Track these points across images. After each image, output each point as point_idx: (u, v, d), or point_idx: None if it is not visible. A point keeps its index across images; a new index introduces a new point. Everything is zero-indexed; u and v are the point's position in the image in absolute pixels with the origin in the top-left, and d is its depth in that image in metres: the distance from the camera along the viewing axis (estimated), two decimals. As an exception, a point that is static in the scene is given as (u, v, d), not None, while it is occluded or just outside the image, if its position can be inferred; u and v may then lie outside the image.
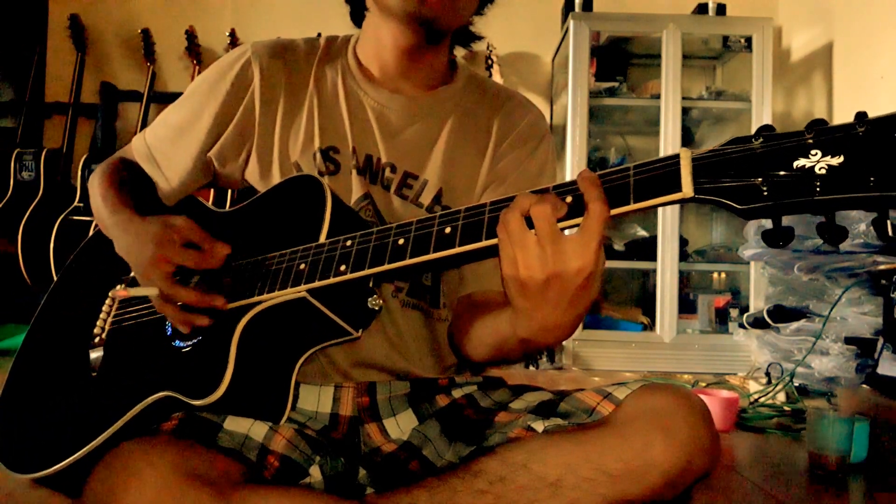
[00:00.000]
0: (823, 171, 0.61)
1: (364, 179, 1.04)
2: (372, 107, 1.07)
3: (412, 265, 0.81)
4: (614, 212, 0.70)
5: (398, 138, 1.06)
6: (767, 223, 0.67)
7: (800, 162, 0.63)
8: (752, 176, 0.65)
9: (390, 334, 1.03)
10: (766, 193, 0.64)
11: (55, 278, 1.25)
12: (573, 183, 0.73)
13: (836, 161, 0.61)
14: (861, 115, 0.62)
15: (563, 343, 3.11)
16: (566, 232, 0.72)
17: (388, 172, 1.05)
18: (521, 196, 0.73)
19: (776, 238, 0.66)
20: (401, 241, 0.82)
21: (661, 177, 0.69)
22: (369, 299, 0.93)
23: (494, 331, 0.90)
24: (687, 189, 0.67)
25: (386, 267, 0.82)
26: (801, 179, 0.62)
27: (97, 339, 1.07)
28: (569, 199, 0.72)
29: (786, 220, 0.66)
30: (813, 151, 0.62)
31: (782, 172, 0.63)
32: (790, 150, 0.63)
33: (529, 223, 0.72)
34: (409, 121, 1.07)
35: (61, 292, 1.22)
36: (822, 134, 0.62)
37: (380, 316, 0.98)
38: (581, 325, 3.06)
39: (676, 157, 0.69)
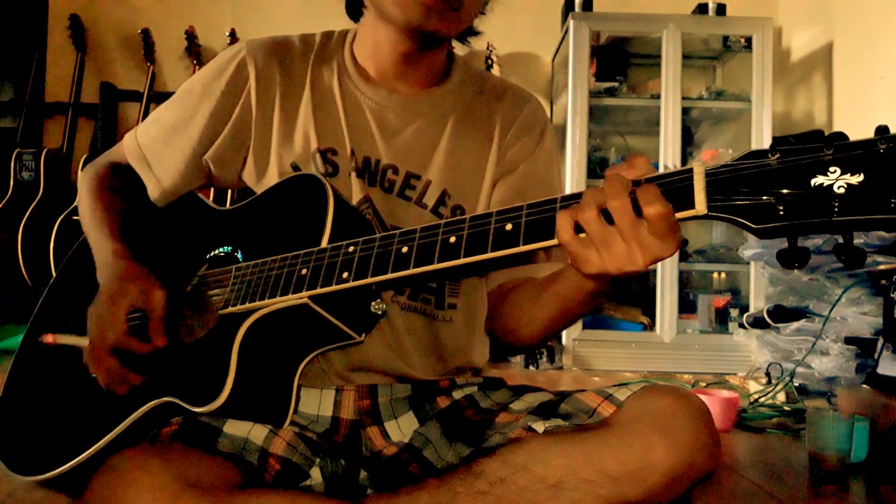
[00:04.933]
0: (842, 191, 0.59)
1: (363, 182, 1.03)
2: (370, 107, 1.05)
3: (416, 275, 0.81)
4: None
5: (398, 138, 1.05)
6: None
7: (818, 179, 0.60)
8: (767, 194, 0.63)
9: (389, 338, 1.02)
10: (782, 213, 0.62)
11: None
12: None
13: (856, 180, 0.59)
14: (882, 130, 0.59)
15: (563, 343, 3.11)
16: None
17: (390, 174, 1.04)
18: (592, 191, 0.71)
19: (791, 259, 0.64)
20: (404, 250, 0.82)
21: (674, 192, 0.67)
22: (372, 303, 0.92)
23: (554, 295, 0.93)
24: (700, 206, 0.65)
25: (389, 276, 0.82)
26: (818, 198, 0.60)
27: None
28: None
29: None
30: (832, 168, 0.60)
31: (799, 191, 0.61)
32: (808, 167, 0.61)
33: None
34: (408, 120, 1.06)
35: (59, 290, 1.22)
36: (841, 150, 0.60)
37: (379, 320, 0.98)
38: (581, 325, 3.09)
39: (690, 171, 0.67)
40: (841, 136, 0.61)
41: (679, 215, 0.66)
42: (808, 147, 0.62)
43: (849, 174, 0.59)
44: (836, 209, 0.59)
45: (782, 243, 0.65)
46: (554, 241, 0.73)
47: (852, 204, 0.59)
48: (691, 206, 0.66)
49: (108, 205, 1.08)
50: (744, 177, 0.64)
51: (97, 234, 1.06)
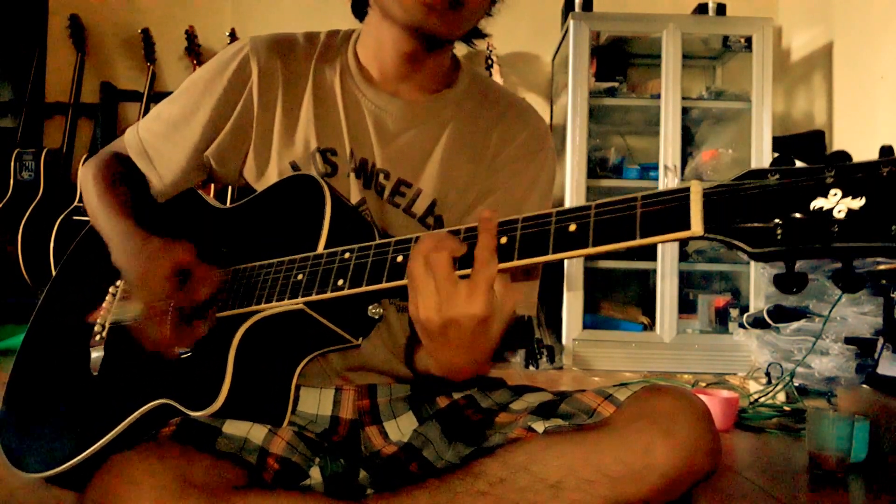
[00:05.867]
0: (842, 216, 0.57)
1: (360, 184, 1.03)
2: (369, 109, 1.05)
3: None
4: (619, 245, 0.68)
5: (394, 144, 1.04)
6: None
7: (818, 203, 0.58)
8: (765, 216, 0.61)
9: (386, 339, 1.02)
10: (779, 237, 0.60)
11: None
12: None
13: (857, 204, 0.57)
14: (887, 151, 0.57)
15: (563, 343, 3.11)
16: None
17: (381, 178, 1.03)
18: (425, 238, 0.75)
19: (789, 284, 0.62)
20: (399, 259, 0.81)
21: (669, 211, 0.66)
22: (370, 308, 0.92)
23: (424, 360, 0.93)
24: (696, 227, 0.64)
25: (384, 285, 0.81)
26: (817, 223, 0.58)
27: (98, 338, 1.06)
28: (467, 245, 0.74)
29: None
30: (833, 191, 0.58)
31: (798, 214, 0.59)
32: (808, 189, 0.59)
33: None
34: (406, 126, 1.05)
35: (60, 289, 1.22)
36: (843, 172, 0.58)
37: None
38: (581, 325, 3.09)
39: (687, 190, 0.65)
40: (843, 156, 0.59)
41: (675, 236, 0.65)
42: (809, 168, 0.60)
43: (850, 198, 0.57)
44: (836, 234, 0.58)
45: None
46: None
47: (852, 230, 0.57)
48: (687, 227, 0.64)
49: (116, 188, 1.08)
50: (742, 198, 0.62)
51: (109, 215, 1.05)
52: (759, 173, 0.63)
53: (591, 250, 0.70)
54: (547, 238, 0.72)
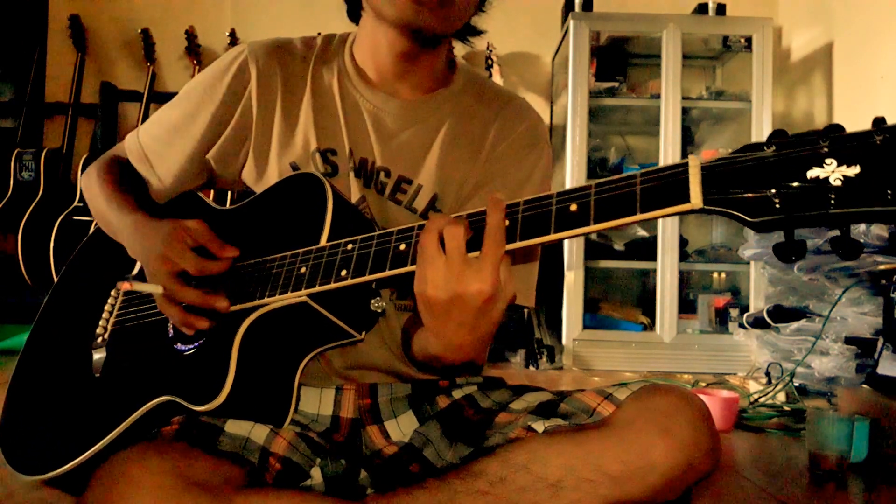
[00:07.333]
0: (839, 183, 0.59)
1: (360, 183, 1.04)
2: (368, 109, 1.06)
3: (414, 272, 0.81)
4: (620, 222, 0.69)
5: (393, 142, 1.05)
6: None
7: (814, 172, 0.60)
8: (763, 187, 0.62)
9: (386, 338, 1.03)
10: (778, 206, 0.61)
11: (55, 278, 1.25)
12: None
13: (853, 172, 0.58)
14: (879, 122, 0.59)
15: (563, 343, 3.11)
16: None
17: (382, 176, 1.04)
18: (438, 217, 0.77)
19: (788, 252, 0.63)
20: (402, 247, 0.82)
21: (669, 186, 0.67)
22: (372, 301, 0.92)
23: (422, 341, 0.93)
24: (696, 200, 0.65)
25: (387, 273, 0.82)
26: (815, 191, 0.60)
27: (100, 339, 1.07)
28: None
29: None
30: (828, 160, 0.59)
31: (795, 183, 0.60)
32: (804, 159, 0.61)
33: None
34: (404, 124, 1.06)
35: (63, 291, 1.22)
36: (837, 142, 0.60)
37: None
38: (581, 325, 3.09)
39: (685, 164, 0.67)
40: (837, 128, 0.60)
41: (673, 209, 0.66)
42: (804, 139, 0.62)
43: (845, 166, 0.59)
44: (833, 201, 0.59)
45: (780, 238, 0.65)
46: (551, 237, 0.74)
47: (849, 196, 0.58)
48: (686, 200, 0.65)
49: (122, 189, 1.10)
50: (740, 170, 0.64)
51: (119, 215, 1.06)
52: (756, 146, 0.64)
53: (592, 227, 0.71)
54: (548, 218, 0.73)
